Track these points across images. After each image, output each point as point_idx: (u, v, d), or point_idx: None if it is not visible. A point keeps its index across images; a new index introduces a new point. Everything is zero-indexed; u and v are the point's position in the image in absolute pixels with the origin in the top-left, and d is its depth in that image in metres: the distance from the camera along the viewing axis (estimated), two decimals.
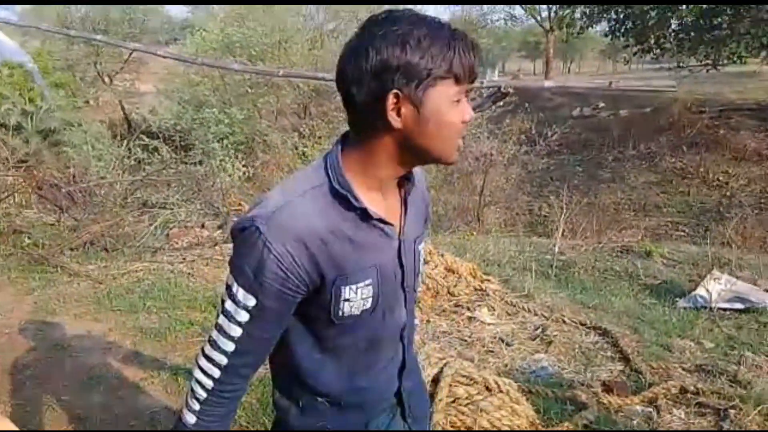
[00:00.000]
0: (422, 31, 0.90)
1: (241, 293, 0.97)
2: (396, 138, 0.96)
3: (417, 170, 1.13)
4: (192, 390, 1.06)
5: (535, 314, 3.95)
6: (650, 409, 2.73)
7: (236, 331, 0.99)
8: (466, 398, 2.32)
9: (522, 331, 3.72)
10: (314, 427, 1.12)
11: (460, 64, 0.92)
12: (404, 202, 1.10)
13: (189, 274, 4.70)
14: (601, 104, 18.60)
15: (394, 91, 0.91)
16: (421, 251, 1.19)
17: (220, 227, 6.38)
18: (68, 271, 4.62)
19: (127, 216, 6.17)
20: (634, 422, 2.65)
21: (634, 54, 17.35)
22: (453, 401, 2.30)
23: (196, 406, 1.04)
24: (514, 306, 4.06)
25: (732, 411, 2.66)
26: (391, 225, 1.05)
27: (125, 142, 10.64)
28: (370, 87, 0.92)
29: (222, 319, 1.01)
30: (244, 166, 9.66)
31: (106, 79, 19.10)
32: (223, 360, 1.01)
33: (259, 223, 0.94)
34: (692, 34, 14.57)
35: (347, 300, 1.01)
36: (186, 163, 10.53)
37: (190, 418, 1.05)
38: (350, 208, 0.98)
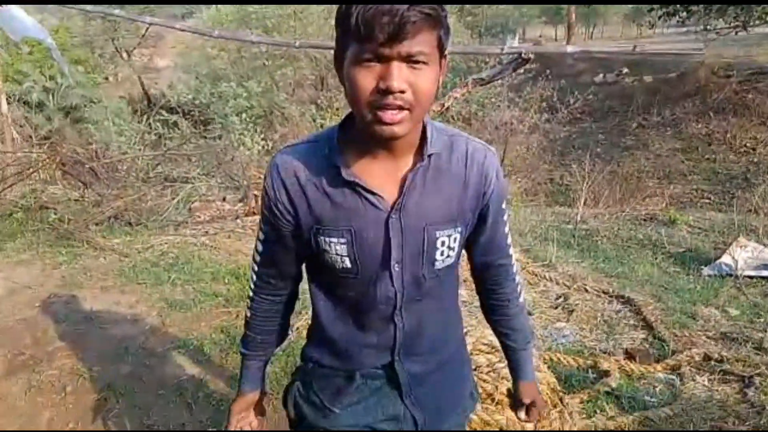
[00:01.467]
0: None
1: (260, 217, 1.18)
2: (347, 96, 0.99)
3: (478, 156, 1.11)
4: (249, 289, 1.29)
5: (557, 283, 3.94)
6: (673, 377, 2.73)
7: (259, 246, 1.21)
8: (487, 366, 2.32)
9: (544, 300, 3.71)
10: (310, 358, 1.26)
11: (356, 22, 0.87)
12: (404, 179, 1.05)
13: (212, 247, 4.76)
14: (625, 70, 18.12)
15: (335, 50, 0.99)
16: (443, 240, 1.10)
17: (240, 200, 6.43)
18: (94, 246, 4.70)
19: (150, 190, 6.24)
20: (657, 389, 2.64)
21: (659, 17, 16.75)
22: (474, 369, 2.31)
23: (248, 302, 1.29)
24: (536, 275, 4.05)
25: (757, 378, 2.64)
26: (378, 195, 1.03)
27: (145, 117, 10.74)
28: None
29: (256, 241, 1.22)
30: (263, 139, 9.66)
31: (125, 55, 19.13)
32: (255, 267, 1.24)
33: (270, 162, 1.11)
34: None
35: (325, 251, 1.09)
36: (205, 138, 10.61)
37: (247, 312, 1.29)
38: (333, 167, 1.04)
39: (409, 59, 0.90)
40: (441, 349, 1.25)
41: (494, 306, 1.32)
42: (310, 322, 1.28)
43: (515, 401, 1.44)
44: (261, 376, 1.33)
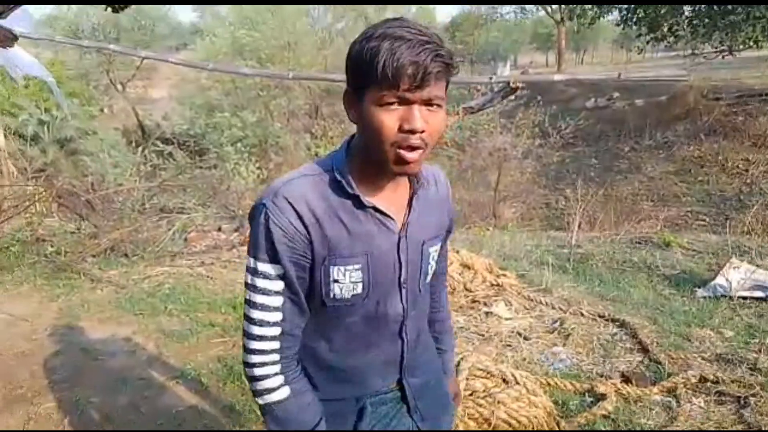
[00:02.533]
0: (374, 42, 0.96)
1: (268, 266, 1.07)
2: (359, 134, 1.07)
3: (441, 178, 1.25)
4: (263, 376, 1.12)
5: (553, 308, 3.96)
6: (670, 399, 2.74)
7: (278, 301, 1.09)
8: (483, 391, 2.34)
9: (540, 325, 3.72)
10: (318, 396, 1.19)
11: (383, 69, 0.94)
12: (410, 202, 1.15)
13: (208, 277, 4.77)
14: (616, 94, 18.42)
15: (347, 88, 1.05)
16: (432, 254, 1.22)
17: (236, 230, 6.46)
18: (91, 277, 4.71)
19: (146, 221, 6.26)
20: (654, 412, 2.65)
21: (647, 42, 17.11)
22: (470, 394, 2.32)
23: (279, 380, 1.12)
24: (532, 300, 4.07)
25: (752, 399, 2.65)
26: (391, 218, 1.11)
27: (140, 148, 10.80)
28: (346, 81, 1.05)
29: (261, 299, 1.09)
30: (258, 168, 9.74)
31: (119, 87, 19.33)
32: (277, 330, 1.10)
33: (264, 200, 1.06)
34: (706, 20, 14.37)
35: (336, 281, 1.09)
36: (201, 168, 10.67)
37: (281, 394, 1.12)
38: (347, 196, 1.08)
39: (427, 103, 0.99)
40: (430, 359, 1.35)
41: (433, 309, 1.42)
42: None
43: None
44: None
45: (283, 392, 1.12)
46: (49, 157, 11.62)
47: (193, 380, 3.05)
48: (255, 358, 1.11)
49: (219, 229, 6.59)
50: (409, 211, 1.15)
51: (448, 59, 0.98)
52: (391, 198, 1.12)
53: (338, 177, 1.08)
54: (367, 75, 0.97)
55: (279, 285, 1.08)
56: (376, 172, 1.08)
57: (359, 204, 1.08)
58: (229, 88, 13.19)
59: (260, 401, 1.14)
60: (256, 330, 1.10)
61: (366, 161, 1.08)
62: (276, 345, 1.10)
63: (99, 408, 2.78)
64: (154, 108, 19.41)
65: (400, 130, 0.99)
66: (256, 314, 1.09)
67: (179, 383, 3.03)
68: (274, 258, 1.06)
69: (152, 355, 3.36)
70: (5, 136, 8.61)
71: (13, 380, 3.04)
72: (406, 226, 1.14)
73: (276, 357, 1.11)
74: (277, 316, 1.09)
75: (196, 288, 4.46)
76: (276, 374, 1.11)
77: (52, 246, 5.46)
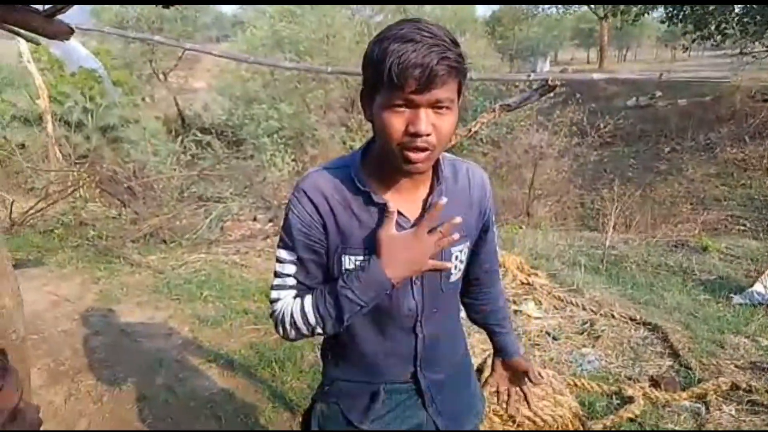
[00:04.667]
0: (384, 44, 0.97)
1: (284, 253, 1.17)
2: (374, 132, 1.09)
3: (478, 179, 1.25)
4: (295, 324, 1.16)
5: (584, 309, 3.93)
6: (699, 405, 2.70)
7: (291, 281, 1.18)
8: None
9: (569, 326, 3.71)
10: (334, 376, 1.29)
11: (389, 71, 0.95)
12: (425, 201, 1.16)
13: (242, 265, 4.89)
14: (658, 93, 17.96)
15: (363, 87, 1.07)
16: (455, 254, 1.21)
17: (271, 220, 6.58)
18: (130, 262, 4.87)
19: (184, 209, 6.43)
20: (682, 417, 2.62)
21: (693, 41, 16.60)
22: (495, 391, 2.34)
23: (312, 319, 1.14)
24: (562, 300, 4.05)
25: None
26: (403, 216, 1.13)
27: (180, 138, 11.03)
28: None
29: (277, 281, 1.19)
30: (293, 160, 9.85)
31: (161, 77, 19.73)
32: (292, 292, 1.18)
33: (294, 192, 1.15)
34: (757, 17, 13.87)
35: (348, 270, 1.14)
36: (238, 158, 10.85)
37: (287, 315, 1.17)
38: (359, 192, 1.12)
39: (435, 105, 1.00)
40: (453, 358, 1.36)
41: (486, 303, 1.44)
42: (323, 344, 1.34)
43: (508, 377, 1.50)
44: None
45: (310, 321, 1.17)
46: (92, 144, 11.95)
47: (225, 365, 3.14)
48: (275, 306, 1.19)
49: (254, 219, 6.72)
50: (424, 209, 1.15)
51: (456, 61, 0.98)
52: (406, 197, 1.14)
53: (352, 174, 1.12)
54: (377, 77, 0.99)
55: (291, 268, 1.17)
56: (392, 170, 1.10)
57: (369, 200, 1.12)
58: (267, 80, 13.32)
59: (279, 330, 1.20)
60: (275, 295, 1.19)
61: (382, 159, 1.10)
62: (298, 304, 1.16)
63: (135, 387, 2.89)
64: (194, 98, 19.75)
65: (407, 132, 1.00)
66: (273, 293, 1.20)
67: (212, 367, 3.13)
68: (287, 246, 1.16)
69: (187, 339, 3.47)
70: (51, 123, 8.90)
71: (57, 357, 3.19)
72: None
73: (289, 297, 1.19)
74: (291, 293, 1.18)
75: (231, 276, 4.57)
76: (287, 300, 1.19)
77: (94, 230, 5.66)
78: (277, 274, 1.19)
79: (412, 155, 1.02)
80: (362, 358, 1.26)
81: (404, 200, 1.14)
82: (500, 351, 1.48)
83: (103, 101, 12.13)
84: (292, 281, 1.18)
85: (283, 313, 1.16)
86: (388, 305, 1.19)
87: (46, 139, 8.20)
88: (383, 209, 1.11)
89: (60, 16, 1.92)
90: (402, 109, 1.00)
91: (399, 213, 1.12)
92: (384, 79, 0.97)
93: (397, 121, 1.00)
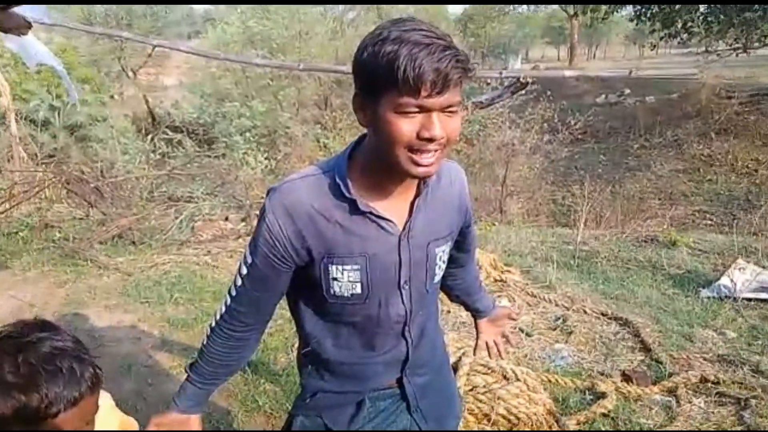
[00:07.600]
0: (390, 47, 0.93)
1: (246, 253, 1.17)
2: (370, 137, 1.06)
3: (455, 174, 1.25)
4: (213, 318, 1.26)
5: (556, 305, 3.96)
6: (670, 399, 2.75)
7: (238, 281, 1.19)
8: (484, 387, 2.36)
9: (542, 322, 3.73)
10: (317, 387, 1.27)
11: (403, 75, 0.92)
12: (412, 204, 1.14)
13: (214, 266, 4.81)
14: (627, 91, 18.30)
15: (357, 91, 1.03)
16: (439, 254, 1.22)
17: (243, 220, 6.48)
18: (98, 264, 4.76)
19: (154, 210, 6.30)
20: (653, 411, 2.66)
21: (661, 39, 16.94)
22: (471, 390, 2.34)
23: (209, 331, 1.26)
24: (535, 297, 4.08)
25: (753, 401, 2.65)
26: (390, 221, 1.11)
27: (150, 136, 10.83)
28: (354, 84, 1.03)
29: (236, 274, 1.20)
30: (266, 158, 9.75)
31: (130, 74, 19.35)
32: (228, 301, 1.21)
33: (268, 197, 1.12)
34: (721, 17, 14.21)
35: (335, 279, 1.13)
36: (209, 157, 10.69)
37: (205, 340, 1.27)
38: (344, 199, 1.08)
39: (446, 108, 0.98)
40: (434, 358, 1.36)
41: (463, 275, 1.51)
42: (299, 354, 1.31)
43: (493, 330, 1.61)
44: (206, 400, 1.36)
45: (204, 340, 1.27)
46: (59, 143, 11.67)
47: None
48: (216, 316, 1.24)
49: (226, 219, 6.62)
50: (412, 214, 1.14)
51: (467, 64, 0.96)
52: (394, 201, 1.12)
53: (337, 180, 1.08)
54: (384, 81, 0.95)
55: (243, 270, 1.17)
56: (382, 175, 1.08)
57: (355, 208, 1.09)
58: (239, 77, 13.17)
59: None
60: (232, 290, 1.21)
61: (371, 165, 1.08)
62: (223, 309, 1.22)
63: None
64: (164, 96, 19.43)
65: (419, 137, 0.97)
66: (231, 289, 1.21)
67: (183, 372, 3.05)
68: (251, 249, 1.16)
69: (157, 342, 3.40)
70: (16, 122, 8.65)
71: None
72: (409, 228, 1.13)
73: (217, 317, 1.24)
74: (233, 291, 1.20)
75: (202, 277, 4.50)
76: (215, 331, 1.25)
77: (60, 232, 5.51)
78: (237, 270, 1.20)
79: (424, 159, 1.00)
80: (348, 367, 1.23)
81: (391, 205, 1.12)
82: (482, 312, 1.58)
83: (69, 99, 11.85)
84: (239, 281, 1.18)
85: (213, 320, 1.25)
86: (377, 315, 1.17)
87: (9, 139, 7.96)
88: (370, 216, 1.09)
89: (17, 9, 1.84)
90: (414, 114, 0.96)
91: (385, 219, 1.10)
92: (396, 83, 0.93)
93: (407, 126, 0.97)
